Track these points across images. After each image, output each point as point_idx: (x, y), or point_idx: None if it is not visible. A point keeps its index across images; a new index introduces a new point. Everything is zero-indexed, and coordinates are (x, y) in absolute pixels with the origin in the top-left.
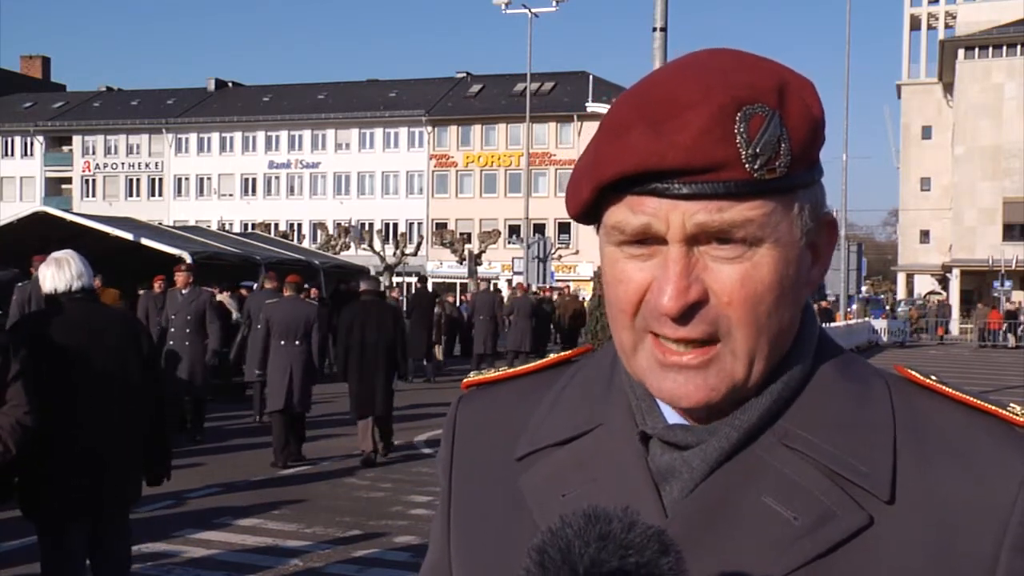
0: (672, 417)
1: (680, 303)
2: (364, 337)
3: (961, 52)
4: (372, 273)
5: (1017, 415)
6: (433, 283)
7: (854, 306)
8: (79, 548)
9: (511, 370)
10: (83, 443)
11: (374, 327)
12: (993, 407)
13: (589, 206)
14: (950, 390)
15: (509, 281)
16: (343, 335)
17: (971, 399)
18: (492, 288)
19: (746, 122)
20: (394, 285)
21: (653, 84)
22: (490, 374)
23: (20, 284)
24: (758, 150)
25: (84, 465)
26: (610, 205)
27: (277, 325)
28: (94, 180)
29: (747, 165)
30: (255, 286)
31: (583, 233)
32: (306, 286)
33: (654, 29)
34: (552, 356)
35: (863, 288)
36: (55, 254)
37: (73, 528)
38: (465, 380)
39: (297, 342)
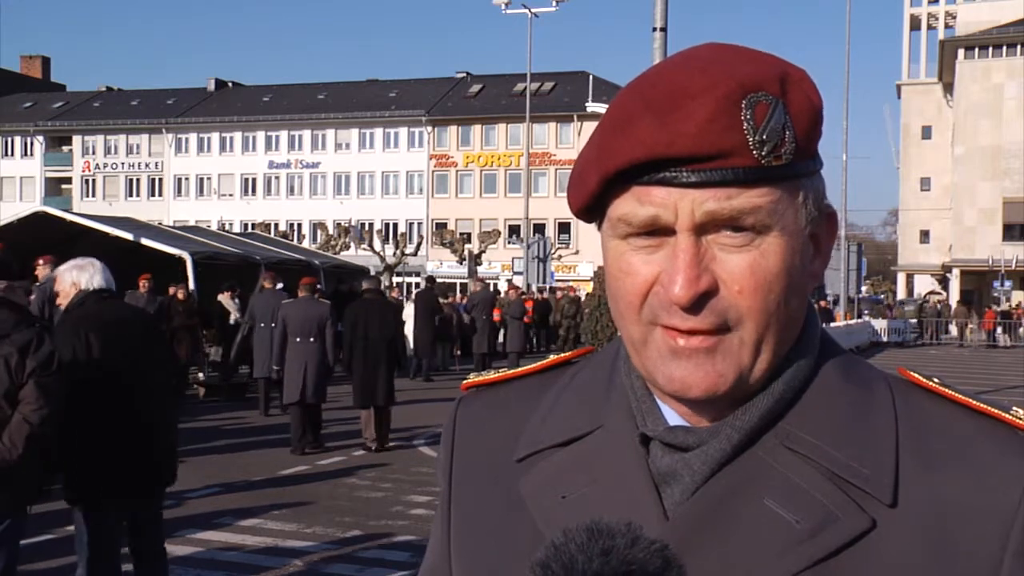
0: (673, 419)
1: (691, 292)
2: (367, 333)
3: (961, 52)
4: (372, 273)
5: (1021, 419)
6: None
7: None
8: (117, 528)
9: (511, 371)
10: (135, 428)
11: (377, 324)
12: (996, 411)
13: (595, 198)
14: (953, 393)
15: (509, 281)
16: (348, 331)
17: (974, 402)
18: (494, 288)
19: (752, 109)
20: (394, 285)
21: (656, 76)
22: (490, 375)
23: (39, 284)
24: (765, 136)
25: (133, 447)
26: (615, 197)
27: (293, 323)
28: (94, 180)
29: (755, 152)
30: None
31: (583, 233)
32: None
33: (654, 29)
34: (552, 357)
35: (863, 288)
36: (78, 260)
37: (113, 509)
38: (465, 382)
39: (312, 339)
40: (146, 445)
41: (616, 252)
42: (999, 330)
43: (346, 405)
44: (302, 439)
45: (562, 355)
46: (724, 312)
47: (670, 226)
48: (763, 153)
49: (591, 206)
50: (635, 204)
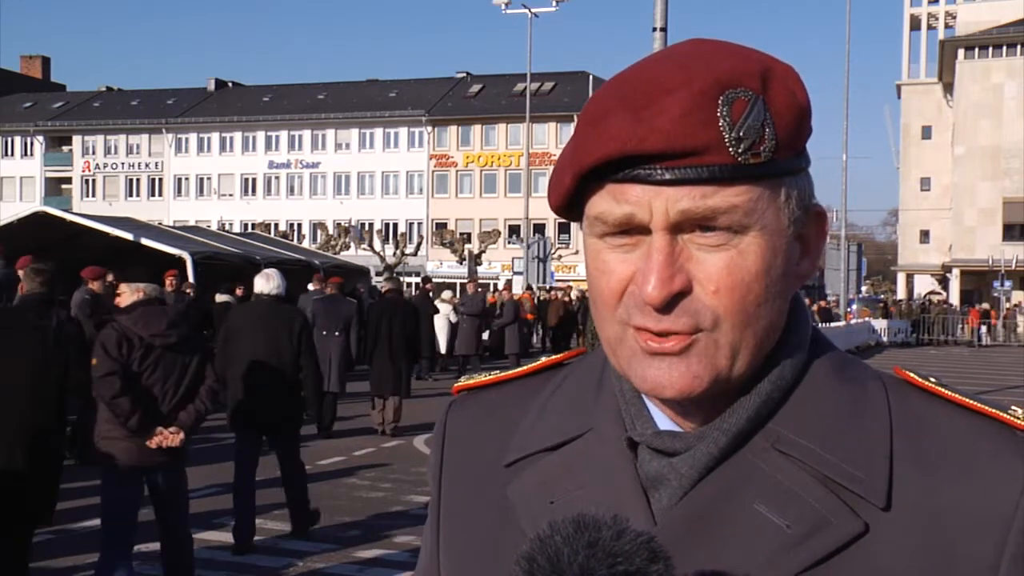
0: (662, 423)
1: (664, 292)
2: (391, 329)
3: (961, 52)
4: (373, 273)
5: (1018, 419)
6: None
7: (854, 306)
8: (255, 452)
9: (502, 374)
10: (254, 386)
11: (399, 321)
12: (993, 410)
13: (571, 196)
14: (949, 393)
15: (508, 282)
16: (372, 327)
17: (971, 402)
18: (494, 288)
19: (729, 106)
20: None
21: (633, 73)
22: (481, 378)
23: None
24: (742, 134)
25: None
26: (592, 195)
27: (321, 318)
28: (94, 180)
29: (731, 149)
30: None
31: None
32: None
33: (654, 29)
34: (543, 360)
35: (863, 288)
36: (266, 270)
37: (255, 437)
38: (456, 384)
39: (337, 333)
40: (270, 395)
41: (594, 251)
42: (983, 329)
43: (347, 401)
44: (322, 422)
45: (554, 357)
46: (699, 313)
47: (645, 225)
48: (740, 151)
49: (569, 204)
50: (611, 202)
